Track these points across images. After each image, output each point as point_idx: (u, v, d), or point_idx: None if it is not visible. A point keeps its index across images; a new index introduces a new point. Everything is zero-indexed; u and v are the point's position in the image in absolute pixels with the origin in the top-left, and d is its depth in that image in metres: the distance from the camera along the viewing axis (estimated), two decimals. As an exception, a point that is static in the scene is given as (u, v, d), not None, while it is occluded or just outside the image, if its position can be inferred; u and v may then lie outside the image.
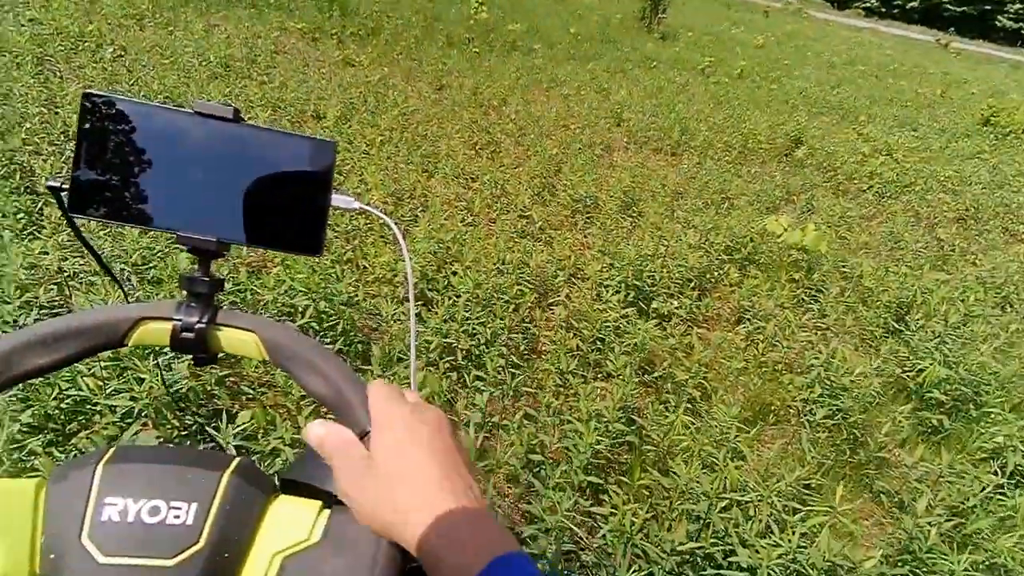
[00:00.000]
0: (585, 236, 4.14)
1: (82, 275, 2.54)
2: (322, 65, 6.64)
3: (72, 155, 0.51)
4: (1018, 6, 55.10)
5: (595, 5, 16.63)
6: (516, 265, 3.21)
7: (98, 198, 0.52)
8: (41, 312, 2.21)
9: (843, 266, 4.09)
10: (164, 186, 0.53)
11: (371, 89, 6.01)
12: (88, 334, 0.52)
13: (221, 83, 4.92)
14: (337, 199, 0.59)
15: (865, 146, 6.99)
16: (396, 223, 0.60)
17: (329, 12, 9.00)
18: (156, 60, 4.99)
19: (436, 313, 2.63)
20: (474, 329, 2.68)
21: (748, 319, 3.39)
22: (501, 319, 2.72)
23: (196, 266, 0.56)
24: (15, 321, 2.08)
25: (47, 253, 2.47)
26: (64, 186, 0.51)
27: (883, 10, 58.88)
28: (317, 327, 2.52)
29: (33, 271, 2.39)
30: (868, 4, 58.87)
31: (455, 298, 2.82)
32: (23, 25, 4.79)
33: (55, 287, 2.41)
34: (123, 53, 4.79)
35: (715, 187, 5.18)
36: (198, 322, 0.55)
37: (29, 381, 0.64)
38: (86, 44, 4.86)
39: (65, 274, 2.47)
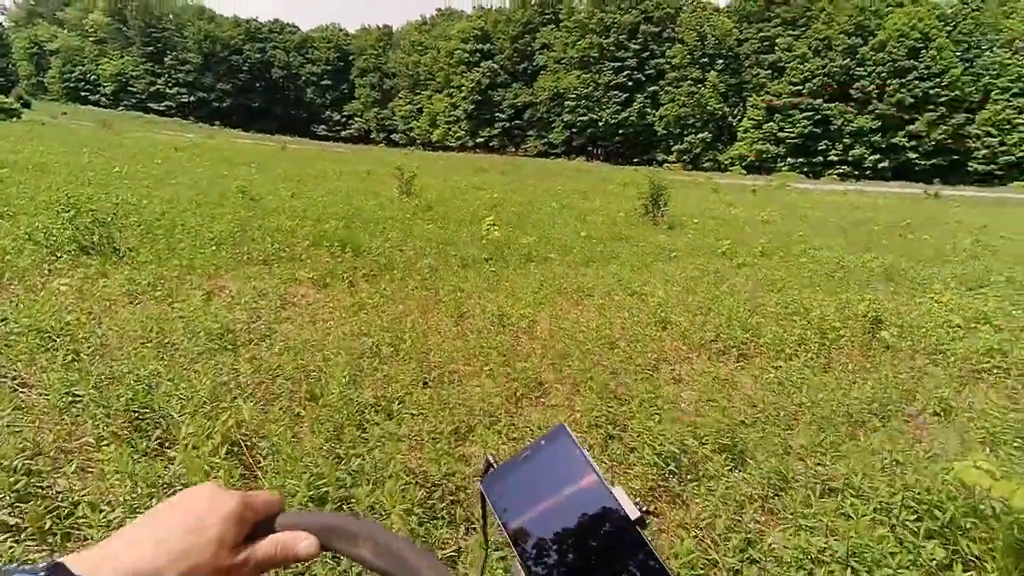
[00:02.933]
0: (691, 514, 2.93)
1: None
2: (332, 313, 6.07)
3: None
4: (984, 151, 59.21)
5: (597, 208, 17.31)
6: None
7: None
8: None
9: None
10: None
11: (385, 335, 5.30)
12: (388, 559, 0.52)
13: (207, 361, 4.19)
14: None
15: (955, 317, 6.02)
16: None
17: (341, 256, 8.89)
18: (135, 348, 4.33)
19: None
20: None
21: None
22: None
23: None
24: None
25: None
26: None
27: (856, 173, 63.50)
28: None
29: None
30: (841, 170, 63.69)
31: None
32: (-14, 329, 4.24)
33: None
34: (75, 356, 4.11)
35: (827, 403, 4.06)
36: None
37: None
38: (58, 340, 4.25)
39: None
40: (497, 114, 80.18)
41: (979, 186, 55.64)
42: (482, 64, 78.99)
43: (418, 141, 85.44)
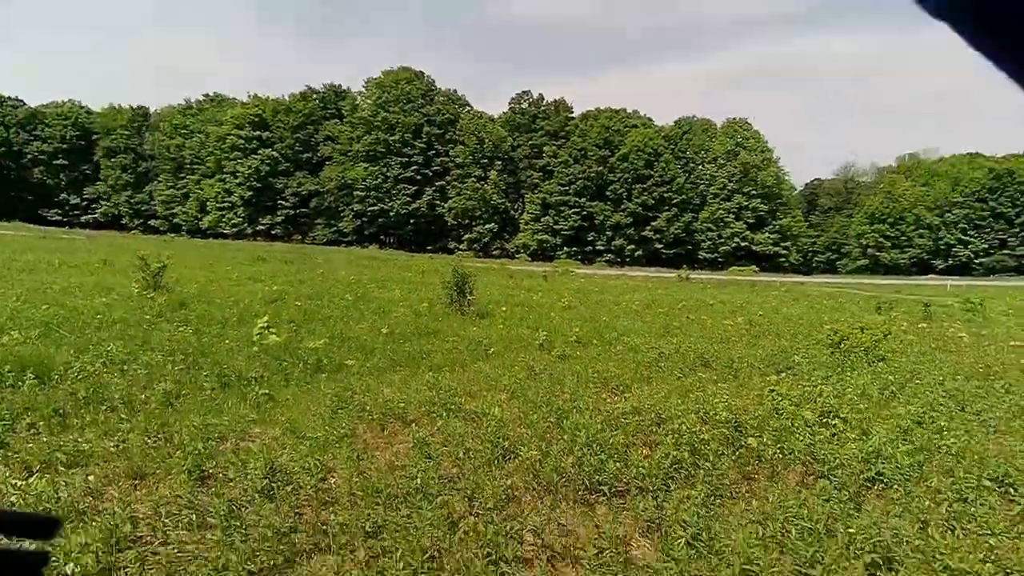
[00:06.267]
0: None
1: None
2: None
3: None
4: (708, 243, 72.63)
5: (398, 298, 15.68)
6: None
7: None
8: None
9: None
10: None
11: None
12: None
13: None
14: None
15: (806, 412, 5.59)
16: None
17: (14, 387, 5.79)
18: None
19: None
20: None
21: None
22: None
23: None
24: None
25: None
26: None
27: (619, 260, 72.56)
28: None
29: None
30: (608, 258, 72.20)
31: None
32: None
33: None
34: None
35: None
36: None
37: None
38: None
39: None
40: (280, 201, 75.23)
41: (709, 270, 67.28)
42: (260, 151, 74.33)
43: (184, 228, 75.58)
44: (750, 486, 4.30)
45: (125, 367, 6.87)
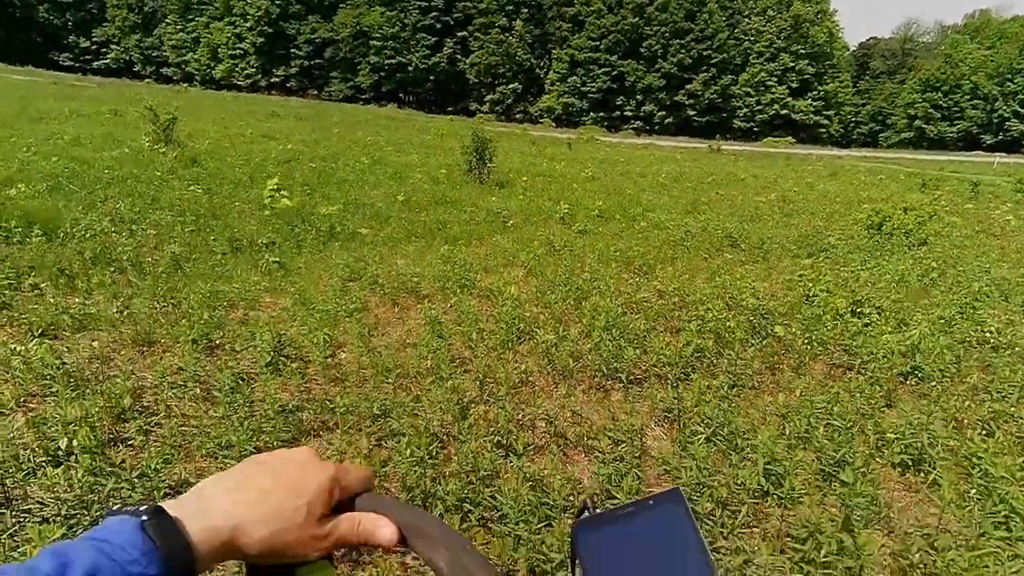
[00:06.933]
0: None
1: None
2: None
3: None
4: (745, 110, 68.00)
5: (415, 163, 15.05)
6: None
7: None
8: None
9: None
10: None
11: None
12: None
13: None
14: None
15: (838, 300, 5.25)
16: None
17: (23, 243, 5.67)
18: None
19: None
20: None
21: None
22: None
23: None
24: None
25: None
26: None
27: (647, 128, 68.86)
28: None
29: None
30: (635, 125, 68.51)
31: None
32: None
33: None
34: None
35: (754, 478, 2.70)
36: None
37: None
38: None
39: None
40: (293, 50, 70.98)
41: (743, 141, 63.80)
42: (270, -10, 68.67)
43: (197, 78, 72.58)
44: (775, 378, 4.12)
45: (134, 226, 6.70)
